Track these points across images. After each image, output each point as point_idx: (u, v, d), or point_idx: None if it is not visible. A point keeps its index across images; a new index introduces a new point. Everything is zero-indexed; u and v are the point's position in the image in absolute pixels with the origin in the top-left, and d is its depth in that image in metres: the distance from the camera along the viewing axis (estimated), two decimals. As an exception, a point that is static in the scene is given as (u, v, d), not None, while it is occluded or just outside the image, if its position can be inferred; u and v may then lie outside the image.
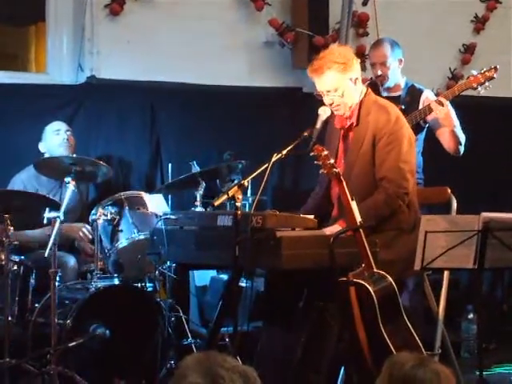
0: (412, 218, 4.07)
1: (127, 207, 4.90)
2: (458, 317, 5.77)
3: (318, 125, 4.05)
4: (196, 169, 5.41)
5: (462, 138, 4.98)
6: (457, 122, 4.92)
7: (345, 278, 3.60)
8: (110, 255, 4.87)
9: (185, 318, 4.96)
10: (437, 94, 5.27)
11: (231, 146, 5.89)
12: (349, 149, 4.15)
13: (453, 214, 4.44)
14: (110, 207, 4.85)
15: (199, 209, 5.10)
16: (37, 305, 4.53)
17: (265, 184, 3.83)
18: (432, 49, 6.69)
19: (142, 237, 4.81)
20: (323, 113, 4.09)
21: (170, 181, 5.52)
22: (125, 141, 5.97)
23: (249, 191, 5.40)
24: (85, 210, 5.26)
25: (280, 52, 6.35)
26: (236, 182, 5.07)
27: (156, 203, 5.04)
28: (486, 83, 4.85)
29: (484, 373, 3.98)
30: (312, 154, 3.73)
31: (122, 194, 4.97)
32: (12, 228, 4.24)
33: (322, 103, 4.12)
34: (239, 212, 3.66)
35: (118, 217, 4.84)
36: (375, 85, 5.11)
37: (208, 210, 4.78)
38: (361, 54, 6.17)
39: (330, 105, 4.09)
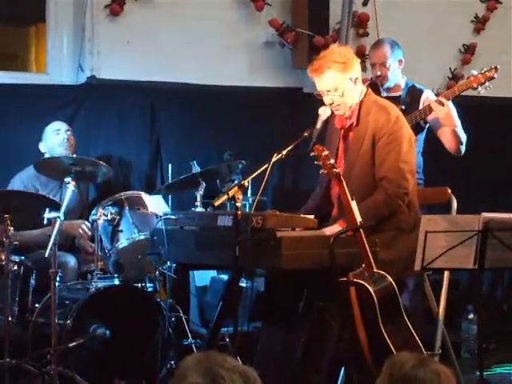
0: (412, 217, 4.07)
1: (127, 207, 4.90)
2: (458, 317, 5.77)
3: (319, 125, 4.05)
4: (196, 169, 5.41)
5: (463, 137, 4.97)
6: (458, 122, 4.91)
7: (345, 278, 3.60)
8: (110, 255, 4.87)
9: (185, 319, 4.96)
10: (437, 94, 5.27)
11: (231, 146, 5.89)
12: (349, 149, 4.15)
13: (453, 214, 4.44)
14: (110, 207, 4.85)
15: (199, 209, 5.10)
16: (37, 305, 4.53)
17: (265, 184, 3.83)
18: (432, 49, 6.69)
19: (142, 237, 4.81)
20: (323, 113, 4.09)
21: (170, 181, 5.52)
22: (125, 141, 5.98)
23: (249, 191, 5.40)
24: (85, 211, 5.27)
25: (280, 52, 6.35)
26: (236, 182, 5.07)
27: (156, 203, 5.04)
28: (487, 83, 4.85)
29: (484, 373, 3.99)
30: (312, 154, 3.73)
31: (122, 194, 4.97)
32: (12, 228, 4.24)
33: (322, 103, 4.12)
34: (239, 212, 3.66)
35: (118, 217, 4.84)
36: (375, 85, 5.11)
37: (208, 210, 4.78)
38: (361, 54, 6.16)
39: (330, 104, 4.09)
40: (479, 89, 4.86)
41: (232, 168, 5.38)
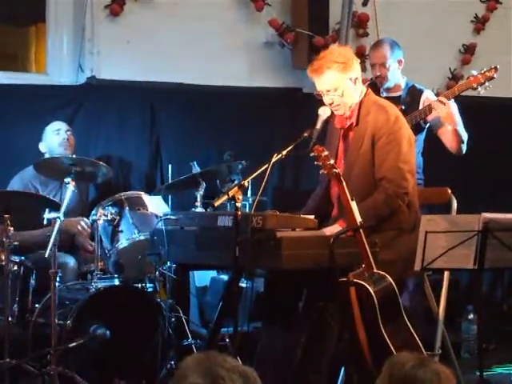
0: (412, 218, 4.07)
1: (127, 208, 4.90)
2: (458, 317, 5.76)
3: (318, 125, 4.05)
4: (196, 169, 5.41)
5: (465, 136, 4.95)
6: (460, 120, 4.90)
7: (345, 279, 3.60)
8: (110, 256, 4.87)
9: (185, 319, 4.95)
10: (437, 94, 5.27)
11: (231, 146, 5.90)
12: (349, 149, 4.15)
13: (453, 214, 4.44)
14: (110, 208, 4.85)
15: (199, 209, 5.10)
16: (37, 305, 4.53)
17: (265, 184, 3.82)
18: (432, 49, 6.69)
19: (142, 237, 4.81)
20: (323, 113, 4.09)
21: (170, 181, 5.52)
22: (125, 141, 5.98)
23: (249, 192, 5.40)
24: (85, 211, 5.26)
25: (280, 52, 6.35)
26: (236, 182, 5.07)
27: (156, 204, 5.04)
28: (486, 83, 4.84)
29: (484, 373, 4.00)
30: (312, 154, 3.73)
31: (122, 194, 4.97)
32: (12, 228, 4.24)
33: (322, 103, 4.12)
34: (239, 212, 3.66)
35: (118, 217, 4.84)
36: (375, 85, 5.11)
37: (208, 210, 4.78)
38: (361, 54, 6.17)
39: (330, 104, 4.09)
40: (479, 89, 4.86)
41: (232, 168, 5.38)
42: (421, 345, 3.63)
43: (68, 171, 4.60)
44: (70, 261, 4.99)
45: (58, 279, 4.31)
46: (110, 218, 4.80)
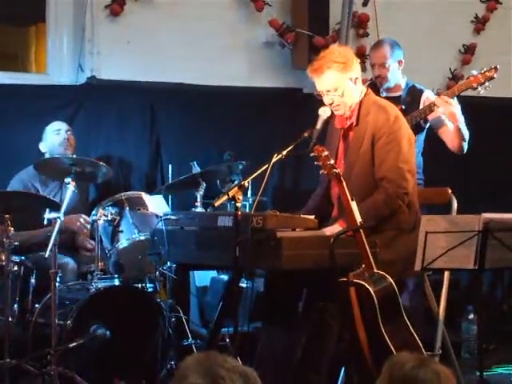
0: (412, 218, 4.07)
1: (127, 208, 4.90)
2: (459, 317, 5.76)
3: (319, 125, 4.05)
4: (196, 169, 5.41)
5: (467, 134, 4.93)
6: (462, 118, 4.89)
7: (345, 279, 3.59)
8: (110, 256, 4.87)
9: (185, 319, 4.96)
10: (437, 94, 5.26)
11: (231, 147, 5.90)
12: (349, 149, 4.15)
13: (453, 214, 4.44)
14: (110, 208, 4.85)
15: (199, 209, 5.10)
16: (37, 305, 4.54)
17: (265, 185, 3.83)
18: (432, 49, 6.70)
19: (142, 237, 4.81)
20: (323, 113, 4.09)
21: (170, 181, 5.52)
22: (125, 141, 5.98)
23: (249, 192, 5.40)
24: (85, 211, 5.26)
25: (280, 52, 6.35)
26: (236, 182, 5.06)
27: (156, 204, 5.04)
28: (486, 83, 4.84)
29: (484, 373, 3.99)
30: (312, 154, 3.73)
31: (122, 194, 4.97)
32: (12, 228, 4.24)
33: (322, 103, 4.12)
34: (239, 212, 3.66)
35: (118, 217, 4.84)
36: (375, 85, 5.11)
37: (208, 210, 4.78)
38: (361, 54, 6.17)
39: (330, 104, 4.09)
40: (479, 89, 4.86)
41: (232, 168, 5.38)
42: (421, 345, 3.62)
43: (68, 171, 4.60)
44: (70, 262, 4.98)
45: (58, 279, 4.31)
46: (110, 218, 4.80)
